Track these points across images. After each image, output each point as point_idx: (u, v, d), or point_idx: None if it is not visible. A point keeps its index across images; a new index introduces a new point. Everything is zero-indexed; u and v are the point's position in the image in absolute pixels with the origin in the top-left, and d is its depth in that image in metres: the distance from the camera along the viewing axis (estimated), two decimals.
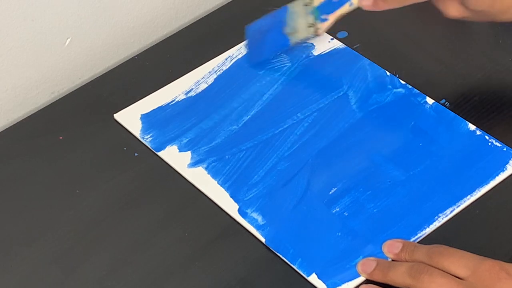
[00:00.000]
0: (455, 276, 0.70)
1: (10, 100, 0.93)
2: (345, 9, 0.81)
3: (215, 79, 0.91)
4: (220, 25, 0.98)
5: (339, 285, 0.74)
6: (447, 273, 0.70)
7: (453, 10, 0.82)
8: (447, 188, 0.79)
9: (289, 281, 0.75)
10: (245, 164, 0.83)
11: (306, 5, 0.82)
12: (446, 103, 0.87)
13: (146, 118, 0.88)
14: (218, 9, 1.00)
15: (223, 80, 0.91)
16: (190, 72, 0.92)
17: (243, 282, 0.75)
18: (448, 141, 0.83)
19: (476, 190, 0.79)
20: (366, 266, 0.74)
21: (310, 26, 0.81)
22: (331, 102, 0.88)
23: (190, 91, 0.90)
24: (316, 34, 0.81)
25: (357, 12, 0.97)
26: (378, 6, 0.82)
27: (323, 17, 0.81)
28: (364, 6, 0.82)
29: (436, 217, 0.77)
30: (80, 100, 0.92)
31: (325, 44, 0.93)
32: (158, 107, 0.89)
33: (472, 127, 0.84)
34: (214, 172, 0.82)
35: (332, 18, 0.80)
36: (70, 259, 0.77)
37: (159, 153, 0.85)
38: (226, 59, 0.93)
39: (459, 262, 0.70)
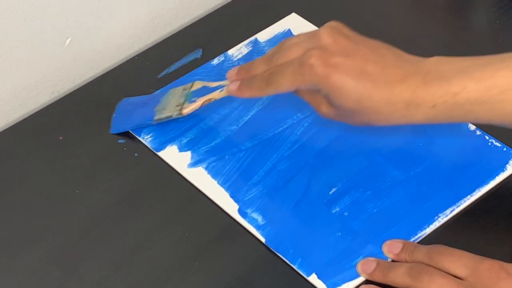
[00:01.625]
0: (455, 276, 0.70)
1: (10, 100, 0.93)
2: (214, 94, 0.82)
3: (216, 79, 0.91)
4: (220, 25, 0.98)
5: (339, 285, 0.74)
6: (447, 273, 0.70)
7: (323, 108, 0.75)
8: (447, 188, 0.79)
9: (289, 281, 0.75)
10: (245, 164, 0.83)
11: (185, 89, 0.85)
12: None
13: None
14: (218, 9, 1.00)
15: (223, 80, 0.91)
16: (190, 72, 0.92)
17: (243, 282, 0.75)
18: (448, 141, 0.83)
19: (476, 190, 0.79)
20: (366, 266, 0.74)
21: (177, 106, 0.84)
22: None
23: None
24: (180, 114, 0.83)
25: (357, 12, 0.97)
26: (242, 92, 0.78)
27: (193, 99, 0.83)
28: (230, 91, 0.79)
29: (436, 217, 0.77)
30: (80, 100, 0.92)
31: None
32: None
33: (472, 127, 0.84)
34: (214, 172, 0.82)
35: (200, 101, 0.83)
36: (70, 259, 0.77)
37: (159, 153, 0.85)
38: (226, 59, 0.93)
39: (459, 262, 0.70)
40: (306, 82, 0.73)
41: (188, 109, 0.83)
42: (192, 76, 0.91)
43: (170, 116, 0.84)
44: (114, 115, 0.88)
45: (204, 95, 0.83)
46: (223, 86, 0.82)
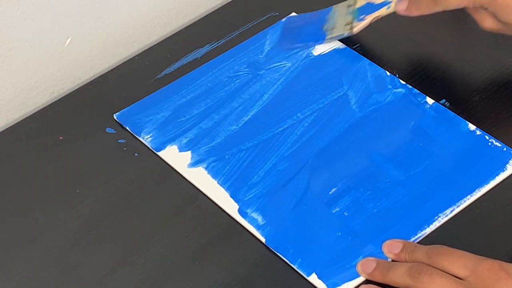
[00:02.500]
0: (455, 276, 0.70)
1: (10, 100, 0.93)
2: (382, 11, 0.86)
3: (216, 79, 0.91)
4: (220, 25, 0.98)
5: (339, 285, 0.74)
6: (447, 273, 0.70)
7: (487, 23, 0.84)
8: (447, 188, 0.79)
9: (289, 281, 0.75)
10: (245, 164, 0.83)
11: (349, 6, 0.87)
12: (446, 103, 0.87)
13: (146, 118, 0.88)
14: (218, 9, 1.01)
15: (224, 80, 0.91)
16: (190, 72, 0.92)
17: (243, 282, 0.75)
18: (448, 141, 0.83)
19: (476, 190, 0.79)
20: (366, 266, 0.74)
21: (347, 25, 0.86)
22: (331, 102, 0.88)
23: (190, 91, 0.90)
24: (351, 32, 0.86)
25: None
26: (410, 11, 0.86)
27: (361, 17, 0.86)
28: (399, 11, 0.87)
29: (436, 217, 0.77)
30: (80, 100, 0.92)
31: (325, 44, 0.93)
32: (158, 107, 0.89)
33: (472, 127, 0.84)
34: (214, 172, 0.82)
35: (368, 18, 0.85)
36: (70, 259, 0.77)
37: (159, 153, 0.85)
38: (227, 59, 0.93)
39: (458, 262, 0.70)
40: (475, 2, 0.82)
41: (358, 27, 0.86)
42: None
43: (342, 35, 0.87)
44: (281, 30, 0.91)
45: (370, 12, 0.85)
46: (389, 2, 0.84)
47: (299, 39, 0.91)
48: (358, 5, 0.88)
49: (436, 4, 0.84)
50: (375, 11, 0.86)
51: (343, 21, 0.87)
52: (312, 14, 0.92)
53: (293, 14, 0.95)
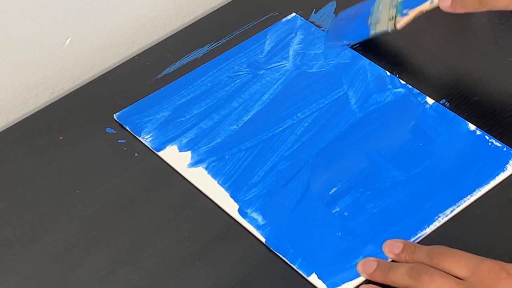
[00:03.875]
0: (456, 277, 0.70)
1: (10, 100, 0.93)
2: (425, 6, 0.84)
3: (216, 79, 0.91)
4: (220, 25, 0.98)
5: (339, 285, 0.74)
6: (448, 273, 0.70)
7: None
8: (447, 188, 0.79)
9: (289, 281, 0.75)
10: (245, 164, 0.83)
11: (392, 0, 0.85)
12: (446, 103, 0.87)
13: (146, 118, 0.88)
14: (218, 9, 1.01)
15: (224, 80, 0.91)
16: (190, 72, 0.92)
17: (243, 282, 0.75)
18: (448, 141, 0.83)
19: (476, 190, 0.79)
20: (366, 267, 0.74)
21: (391, 20, 0.84)
22: (331, 102, 0.88)
23: (190, 91, 0.90)
24: (395, 28, 0.84)
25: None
26: (455, 8, 0.85)
27: (404, 11, 0.84)
28: (443, 7, 0.85)
29: (436, 217, 0.77)
30: (80, 100, 0.92)
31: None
32: (158, 107, 0.89)
33: (472, 127, 0.84)
34: (214, 172, 0.82)
35: (412, 13, 0.83)
36: (70, 259, 0.77)
37: (159, 153, 0.85)
38: (227, 59, 0.93)
39: (459, 262, 0.70)
40: None
41: (401, 23, 0.84)
42: None
43: (385, 31, 0.84)
44: (327, 30, 0.89)
45: (413, 6, 0.83)
46: None
47: (344, 35, 0.90)
48: None
49: (482, 4, 0.83)
50: (418, 5, 0.84)
51: (386, 16, 0.85)
52: (360, 6, 0.90)
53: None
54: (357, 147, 0.83)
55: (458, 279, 0.70)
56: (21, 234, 0.80)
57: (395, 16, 0.84)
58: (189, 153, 0.85)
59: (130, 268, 0.76)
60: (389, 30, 0.84)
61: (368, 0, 0.90)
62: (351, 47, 0.93)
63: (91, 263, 0.77)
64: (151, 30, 1.00)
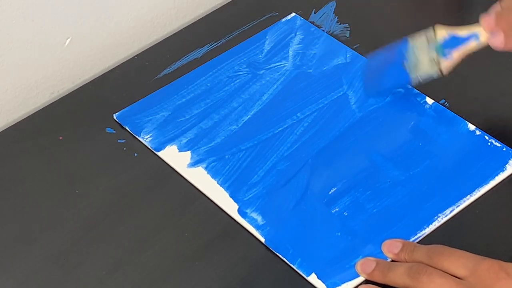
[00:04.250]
0: (455, 276, 0.70)
1: (10, 100, 0.93)
2: (472, 46, 0.76)
3: (216, 79, 0.91)
4: (220, 25, 0.98)
5: (339, 285, 0.74)
6: (447, 273, 0.70)
7: None
8: (447, 188, 0.79)
9: (289, 281, 0.75)
10: (245, 164, 0.83)
11: (429, 40, 0.79)
12: (446, 103, 0.87)
13: (146, 118, 0.88)
14: (218, 9, 1.01)
15: (224, 80, 0.91)
16: (190, 72, 0.92)
17: (243, 282, 0.75)
18: (448, 141, 0.83)
19: (476, 190, 0.79)
20: (365, 266, 0.74)
21: (432, 62, 0.77)
22: (331, 102, 0.88)
23: (190, 91, 0.90)
24: (440, 72, 0.77)
25: (357, 12, 0.98)
26: (508, 46, 0.77)
27: (447, 53, 0.77)
28: (495, 46, 0.77)
29: (436, 217, 0.77)
30: (80, 100, 0.92)
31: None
32: (158, 107, 0.89)
33: (472, 127, 0.84)
34: (214, 172, 0.82)
35: (457, 55, 0.76)
36: (70, 259, 0.77)
37: (159, 153, 0.85)
38: (227, 59, 0.93)
39: (458, 262, 0.70)
40: None
41: (447, 66, 0.77)
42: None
43: (430, 76, 0.78)
44: (364, 75, 0.84)
45: (455, 46, 0.76)
46: (476, 34, 0.75)
47: (383, 83, 0.84)
48: (440, 36, 0.77)
49: None
50: (460, 45, 0.76)
51: (426, 58, 0.78)
52: (389, 49, 0.84)
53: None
54: (357, 147, 0.83)
55: (457, 279, 0.70)
56: (21, 234, 0.80)
57: (438, 59, 0.77)
58: (188, 153, 0.85)
59: (130, 268, 0.76)
60: (434, 75, 0.77)
61: (398, 43, 0.84)
62: (352, 48, 0.93)
63: (91, 263, 0.77)
64: (151, 30, 1.00)
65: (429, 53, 0.78)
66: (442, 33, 0.77)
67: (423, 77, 0.78)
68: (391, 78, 0.83)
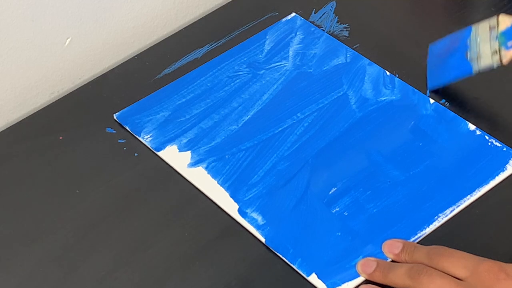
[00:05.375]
0: (455, 277, 0.70)
1: (10, 100, 0.93)
2: None
3: (216, 79, 0.91)
4: (220, 25, 0.98)
5: (339, 285, 0.74)
6: (447, 274, 0.70)
7: None
8: (447, 188, 0.79)
9: (289, 281, 0.75)
10: (245, 164, 0.83)
11: (491, 28, 0.77)
12: (446, 103, 0.87)
13: (146, 118, 0.88)
14: (218, 9, 1.00)
15: (224, 80, 0.91)
16: (190, 72, 0.92)
17: (243, 282, 0.75)
18: (448, 141, 0.83)
19: (476, 190, 0.79)
20: (366, 267, 0.74)
21: (495, 53, 0.76)
22: (331, 102, 0.88)
23: (190, 91, 0.90)
24: (501, 63, 0.75)
25: (357, 12, 0.97)
26: None
27: (509, 44, 0.75)
28: None
29: (436, 217, 0.77)
30: (80, 100, 0.92)
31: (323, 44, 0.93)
32: (158, 107, 0.89)
33: (472, 127, 0.84)
34: (214, 172, 0.82)
35: None
36: (70, 259, 0.77)
37: (159, 153, 0.85)
38: (227, 59, 0.93)
39: (458, 262, 0.70)
40: None
41: (508, 58, 0.75)
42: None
43: (491, 67, 0.76)
44: (427, 66, 0.81)
45: None
46: None
47: (446, 74, 0.83)
48: (502, 27, 0.76)
49: None
50: None
51: (488, 49, 0.76)
52: (452, 38, 0.82)
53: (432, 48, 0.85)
54: (357, 147, 0.83)
55: (457, 280, 0.70)
56: (21, 234, 0.80)
57: (499, 50, 0.75)
58: (189, 153, 0.85)
59: (130, 268, 0.76)
60: (495, 65, 0.76)
61: (461, 31, 0.82)
62: (352, 48, 0.93)
63: (91, 263, 0.77)
64: (151, 30, 1.00)
65: (491, 43, 0.76)
66: (505, 22, 0.76)
67: (483, 68, 0.76)
68: (454, 69, 0.80)
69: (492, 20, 0.77)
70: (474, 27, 0.79)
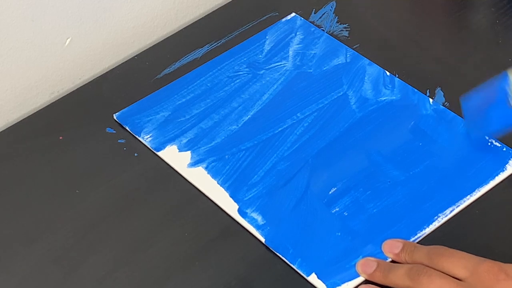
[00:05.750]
0: (455, 277, 0.70)
1: (10, 100, 0.93)
2: None
3: (216, 79, 0.91)
4: (220, 25, 0.98)
5: (339, 285, 0.74)
6: (447, 274, 0.70)
7: None
8: (447, 188, 0.79)
9: (289, 281, 0.75)
10: (245, 164, 0.83)
11: None
12: (446, 103, 0.87)
13: (146, 118, 0.88)
14: (218, 9, 1.00)
15: (224, 80, 0.91)
16: (190, 72, 0.92)
17: (243, 282, 0.75)
18: (448, 141, 0.83)
19: (476, 190, 0.79)
20: (366, 267, 0.74)
21: None
22: (331, 102, 0.88)
23: (190, 91, 0.90)
24: None
25: (357, 12, 0.98)
26: None
27: None
28: None
29: (436, 217, 0.77)
30: (80, 100, 0.92)
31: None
32: (158, 107, 0.89)
33: None
34: (214, 172, 0.82)
35: None
36: (70, 259, 0.77)
37: (159, 153, 0.85)
38: (227, 59, 0.93)
39: (458, 263, 0.70)
40: None
41: None
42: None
43: None
44: (465, 118, 0.79)
45: None
46: None
47: (491, 126, 0.79)
48: None
49: None
50: None
51: None
52: (486, 89, 0.80)
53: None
54: (357, 147, 0.83)
55: (457, 280, 0.70)
56: (21, 234, 0.80)
57: None
58: (188, 153, 0.85)
59: (130, 268, 0.76)
60: None
61: (494, 81, 0.79)
62: (352, 48, 0.93)
63: (91, 263, 0.77)
64: (151, 30, 1.00)
65: None
66: None
67: None
68: (497, 119, 0.77)
69: None
70: (510, 73, 0.77)
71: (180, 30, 0.99)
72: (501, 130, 0.77)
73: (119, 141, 0.87)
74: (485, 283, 0.68)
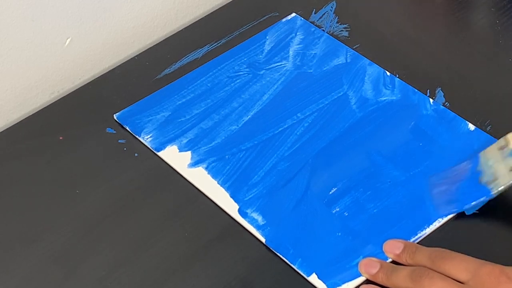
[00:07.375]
0: (456, 280, 0.70)
1: (10, 100, 0.93)
2: None
3: (216, 79, 0.91)
4: (220, 25, 0.98)
5: (339, 285, 0.74)
6: (448, 277, 0.70)
7: None
8: None
9: (289, 281, 0.75)
10: (245, 164, 0.83)
11: (501, 149, 0.77)
12: (446, 103, 0.87)
13: (146, 118, 0.88)
14: (218, 9, 1.00)
15: (224, 80, 0.91)
16: (190, 72, 0.92)
17: (243, 282, 0.75)
18: (448, 141, 0.83)
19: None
20: (369, 267, 0.74)
21: (511, 170, 0.75)
22: (331, 102, 0.88)
23: (190, 91, 0.90)
24: None
25: (357, 12, 0.98)
26: None
27: None
28: None
29: (436, 217, 0.77)
30: (80, 100, 0.92)
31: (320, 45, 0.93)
32: (158, 107, 0.89)
33: (472, 127, 0.84)
34: (214, 172, 0.82)
35: None
36: (70, 259, 0.77)
37: (159, 153, 0.85)
38: (227, 59, 0.93)
39: (460, 265, 0.70)
40: None
41: None
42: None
43: (511, 184, 0.75)
44: (431, 197, 0.79)
45: None
46: None
47: (460, 201, 0.78)
48: None
49: None
50: None
51: (503, 168, 0.75)
52: (455, 170, 0.80)
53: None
54: (357, 147, 0.83)
55: (459, 282, 0.70)
56: (21, 234, 0.80)
57: None
58: (189, 153, 0.85)
59: (130, 268, 0.76)
60: None
61: (465, 162, 0.80)
62: (352, 48, 0.93)
63: (91, 263, 0.77)
64: (151, 30, 1.00)
65: (505, 161, 0.76)
66: None
67: (505, 187, 0.75)
68: (468, 196, 0.78)
69: (500, 141, 0.77)
70: (482, 154, 0.79)
71: (180, 30, 0.99)
72: (476, 206, 0.77)
73: (119, 141, 0.87)
74: (487, 285, 0.68)
